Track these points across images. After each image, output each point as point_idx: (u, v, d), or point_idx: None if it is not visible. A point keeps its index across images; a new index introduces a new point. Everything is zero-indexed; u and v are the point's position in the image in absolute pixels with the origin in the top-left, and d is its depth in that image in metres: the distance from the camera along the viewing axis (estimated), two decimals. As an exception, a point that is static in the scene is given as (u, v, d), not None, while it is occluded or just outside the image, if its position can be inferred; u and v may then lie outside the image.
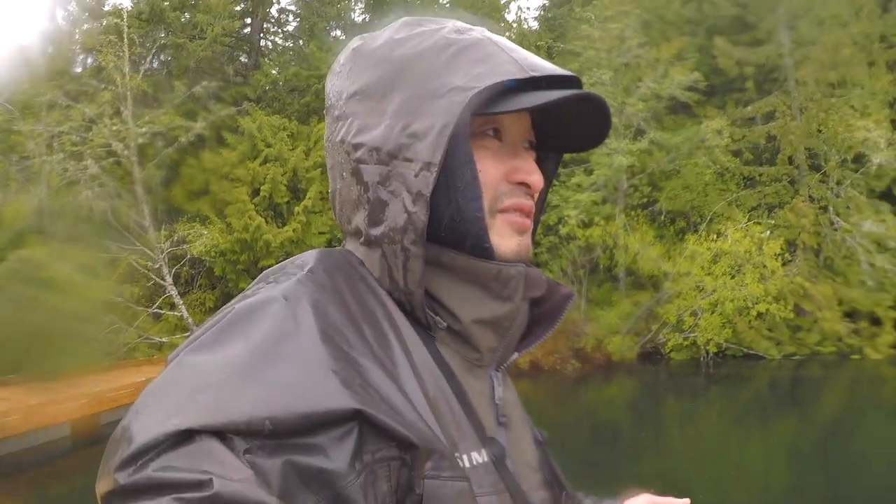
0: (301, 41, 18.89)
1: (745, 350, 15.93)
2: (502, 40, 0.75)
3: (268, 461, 0.51)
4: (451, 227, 0.72)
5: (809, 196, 16.85)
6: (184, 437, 0.50)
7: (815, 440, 10.25)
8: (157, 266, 14.73)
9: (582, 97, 0.72)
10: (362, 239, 0.74)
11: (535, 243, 0.84)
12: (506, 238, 0.74)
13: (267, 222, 15.55)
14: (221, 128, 16.26)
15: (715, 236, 15.72)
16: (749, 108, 17.13)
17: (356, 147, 0.73)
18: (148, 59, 16.36)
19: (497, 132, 0.75)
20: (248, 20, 18.63)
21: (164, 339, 14.43)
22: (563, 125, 0.82)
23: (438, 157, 0.68)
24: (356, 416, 0.55)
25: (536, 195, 0.78)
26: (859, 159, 16.77)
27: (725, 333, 15.46)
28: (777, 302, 15.29)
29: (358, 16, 20.64)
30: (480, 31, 0.76)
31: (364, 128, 0.73)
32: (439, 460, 0.59)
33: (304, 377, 0.56)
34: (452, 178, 0.70)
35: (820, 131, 16.72)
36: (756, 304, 15.09)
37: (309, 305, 0.62)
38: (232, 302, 0.66)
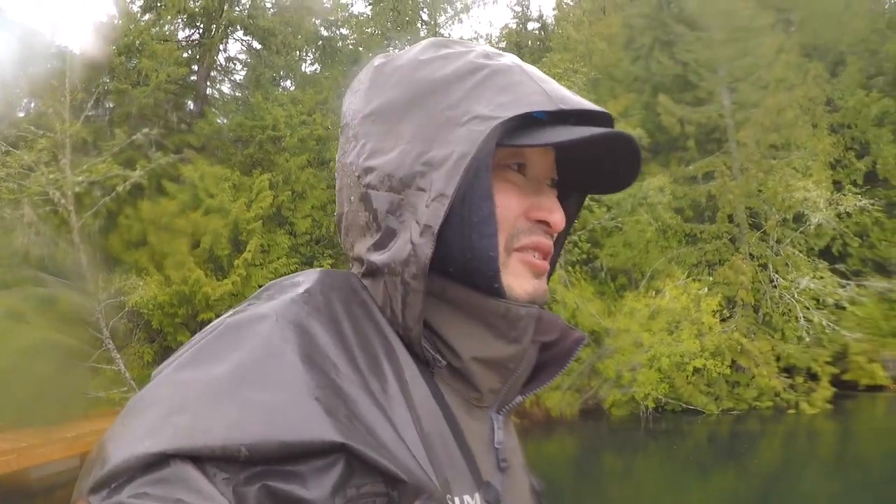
0: (248, 91, 18.80)
1: (684, 405, 16.06)
2: (533, 69, 0.72)
3: (243, 488, 0.49)
4: (462, 263, 0.68)
5: (750, 254, 17.10)
6: (158, 460, 0.49)
7: (753, 493, 10.40)
8: (95, 319, 14.45)
9: (614, 136, 0.69)
10: (364, 268, 0.71)
11: None
12: (521, 279, 0.71)
13: (206, 275, 15.34)
14: (162, 176, 16.03)
15: (654, 293, 15.90)
16: (691, 166, 17.38)
17: (367, 171, 0.70)
18: (90, 105, 16.14)
19: (521, 167, 0.72)
20: (195, 67, 18.50)
21: (100, 394, 14.10)
22: (588, 164, 0.78)
23: (452, 188, 0.64)
24: (340, 449, 0.53)
25: (555, 235, 0.74)
26: (799, 218, 17.11)
27: (663, 388, 15.58)
28: (713, 358, 15.45)
29: (308, 66, 20.61)
30: (510, 59, 0.73)
31: (377, 151, 0.70)
32: (428, 500, 0.56)
33: (286, 403, 0.53)
34: (469, 212, 0.67)
35: (760, 191, 17.02)
36: (692, 359, 15.23)
37: (299, 327, 0.60)
38: (223, 315, 0.64)
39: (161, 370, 0.59)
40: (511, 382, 0.72)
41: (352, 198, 0.72)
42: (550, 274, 0.79)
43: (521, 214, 0.71)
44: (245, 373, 0.54)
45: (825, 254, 17.77)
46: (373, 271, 0.70)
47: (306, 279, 0.69)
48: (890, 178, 18.95)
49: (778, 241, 17.25)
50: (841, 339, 16.04)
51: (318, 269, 0.72)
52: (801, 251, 17.28)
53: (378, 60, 0.76)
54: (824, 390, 15.96)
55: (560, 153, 0.76)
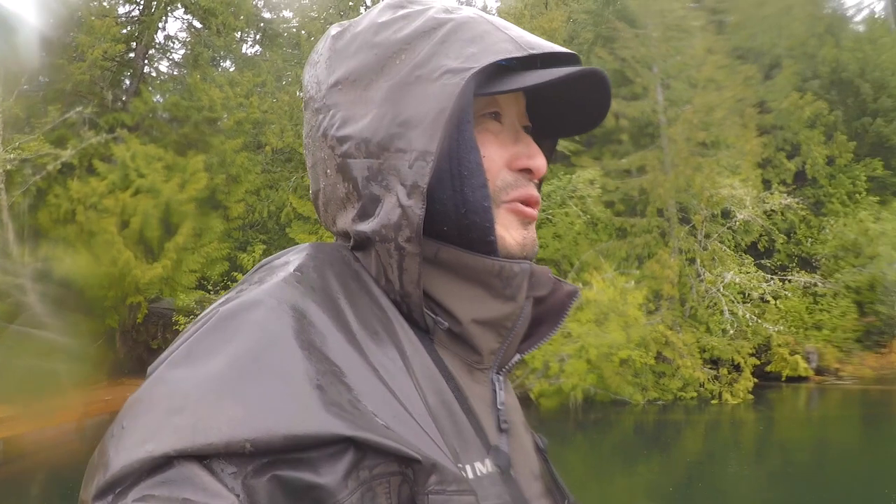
0: (185, 70, 18.51)
1: (613, 396, 16.40)
2: (496, 19, 0.70)
3: (253, 480, 0.49)
4: (456, 219, 0.66)
5: (679, 248, 17.48)
6: (161, 462, 0.48)
7: (678, 481, 10.72)
8: (20, 282, 14.19)
9: (588, 73, 0.67)
10: (352, 241, 0.70)
11: None
12: (511, 230, 0.70)
13: (136, 257, 15.05)
14: (94, 155, 15.77)
15: (581, 285, 16.19)
16: (624, 160, 17.67)
17: (341, 140, 0.68)
18: (23, 80, 15.82)
19: (497, 116, 0.71)
20: (134, 44, 18.17)
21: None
22: (556, 108, 0.77)
23: (434, 145, 0.63)
24: (347, 440, 0.52)
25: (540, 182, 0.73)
26: (727, 214, 17.52)
27: (590, 378, 15.89)
28: (639, 349, 15.81)
29: (248, 48, 20.28)
30: (472, 11, 0.71)
31: (349, 119, 0.68)
32: (443, 474, 0.55)
33: (287, 395, 0.52)
34: (458, 166, 0.65)
35: (688, 187, 17.42)
36: (619, 350, 15.57)
37: (294, 310, 0.58)
38: (214, 304, 0.62)
39: (156, 367, 0.57)
40: (509, 341, 0.71)
41: (328, 171, 0.71)
42: None
43: (504, 165, 0.70)
44: (242, 366, 0.53)
45: (753, 250, 18.24)
46: (362, 241, 0.68)
47: (297, 257, 0.67)
48: (818, 178, 19.54)
49: (706, 237, 17.66)
50: (764, 332, 16.54)
51: (308, 243, 0.71)
52: (728, 246, 17.71)
53: (335, 29, 0.75)
54: (746, 381, 16.44)
55: (529, 99, 0.75)
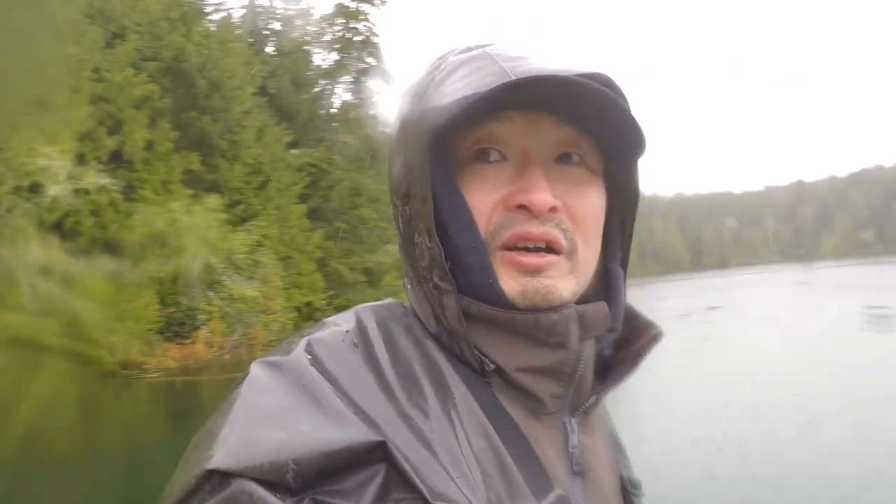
0: None
1: None
2: (506, 51, 0.68)
3: (297, 502, 0.52)
4: (456, 268, 0.66)
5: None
6: (220, 482, 0.51)
7: None
8: None
9: (560, 87, 0.62)
10: (408, 282, 0.72)
11: None
12: (508, 280, 0.66)
13: None
14: None
15: None
16: None
17: (390, 192, 0.72)
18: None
19: (488, 153, 0.67)
20: None
21: None
22: (616, 133, 0.69)
23: (425, 189, 0.65)
24: (379, 454, 0.55)
25: (572, 218, 0.67)
26: (36, 188, 15.52)
27: None
28: None
29: None
30: (487, 48, 0.70)
31: (391, 171, 0.71)
32: None
33: (324, 422, 0.56)
34: (443, 211, 0.66)
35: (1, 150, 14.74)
36: None
37: (331, 363, 0.61)
38: (268, 354, 0.64)
39: (218, 408, 0.60)
40: (574, 385, 0.69)
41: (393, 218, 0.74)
42: (625, 260, 0.76)
43: (496, 205, 0.66)
44: (286, 402, 0.57)
45: (57, 229, 16.72)
46: (413, 285, 0.71)
47: (347, 316, 0.69)
48: (135, 161, 19.28)
49: (9, 210, 15.31)
50: (70, 318, 15.29)
51: (363, 305, 0.72)
52: (32, 224, 15.79)
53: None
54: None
55: (579, 125, 0.68)
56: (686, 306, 29.42)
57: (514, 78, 0.61)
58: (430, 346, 0.67)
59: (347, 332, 0.66)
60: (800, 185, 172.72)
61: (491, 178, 0.67)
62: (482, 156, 0.67)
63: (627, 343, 0.74)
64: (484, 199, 0.66)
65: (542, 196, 0.64)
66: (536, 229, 0.65)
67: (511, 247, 0.66)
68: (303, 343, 0.63)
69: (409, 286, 0.72)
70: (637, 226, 0.78)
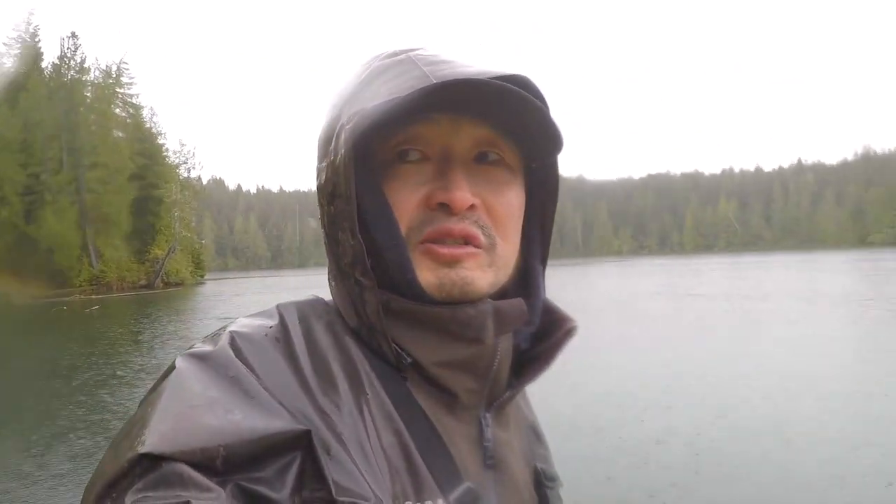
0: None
1: None
2: (430, 56, 0.70)
3: (224, 487, 0.53)
4: (378, 264, 0.68)
5: None
6: (150, 464, 0.52)
7: None
8: None
9: (480, 89, 0.64)
10: (332, 278, 0.74)
11: None
12: (426, 272, 0.68)
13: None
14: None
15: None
16: None
17: (318, 192, 0.73)
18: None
19: (408, 153, 0.69)
20: None
21: None
22: (534, 133, 0.72)
23: (350, 189, 0.66)
24: (300, 444, 0.57)
25: (491, 214, 0.70)
26: None
27: None
28: None
29: None
30: (414, 52, 0.72)
31: (319, 172, 0.73)
32: None
33: (254, 410, 0.57)
34: (365, 210, 0.68)
35: None
36: None
37: (256, 355, 0.62)
38: (194, 346, 0.65)
39: (146, 397, 0.62)
40: (490, 380, 0.71)
41: (319, 215, 0.76)
42: (545, 255, 0.79)
43: (417, 204, 0.68)
44: (217, 391, 0.58)
45: None
46: (336, 280, 0.73)
47: (268, 313, 0.70)
48: None
49: None
50: None
51: (287, 301, 0.73)
52: None
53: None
54: None
55: (498, 126, 0.71)
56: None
57: (434, 82, 0.64)
58: (349, 341, 0.68)
59: (270, 327, 0.67)
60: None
61: (412, 178, 0.69)
62: (404, 156, 0.69)
63: (544, 337, 0.76)
64: (406, 198, 0.68)
65: (461, 194, 0.67)
66: (456, 226, 0.67)
67: (430, 241, 0.68)
68: (227, 336, 0.64)
69: (332, 282, 0.74)
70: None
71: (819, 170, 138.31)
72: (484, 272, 0.69)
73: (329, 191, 0.69)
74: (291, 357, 0.64)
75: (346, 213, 0.67)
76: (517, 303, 0.71)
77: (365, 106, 0.66)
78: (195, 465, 0.53)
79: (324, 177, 0.71)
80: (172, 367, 0.63)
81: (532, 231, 0.77)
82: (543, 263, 0.79)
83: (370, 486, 0.58)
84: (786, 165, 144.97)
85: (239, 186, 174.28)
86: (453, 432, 0.68)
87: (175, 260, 52.51)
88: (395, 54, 0.72)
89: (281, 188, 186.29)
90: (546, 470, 0.80)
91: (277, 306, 0.71)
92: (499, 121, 0.70)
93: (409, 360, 0.68)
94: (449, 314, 0.67)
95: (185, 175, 60.22)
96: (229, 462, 0.54)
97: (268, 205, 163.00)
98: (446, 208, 0.67)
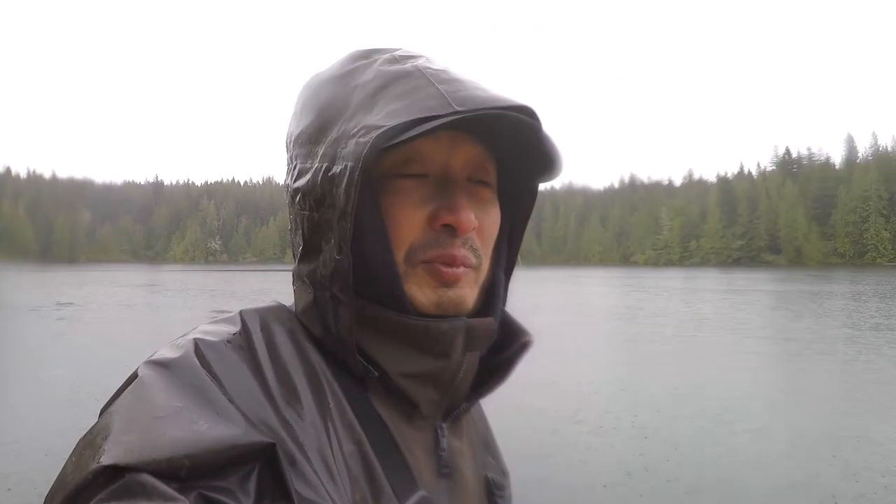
0: None
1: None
2: (439, 72, 0.69)
3: (188, 495, 0.52)
4: (365, 276, 0.68)
5: None
6: (113, 475, 0.51)
7: None
8: None
9: (496, 118, 0.66)
10: (301, 284, 0.73)
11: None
12: (425, 289, 0.69)
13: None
14: None
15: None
16: None
17: (295, 192, 0.71)
18: None
19: (410, 169, 0.69)
20: None
21: None
22: (523, 154, 0.74)
23: (351, 205, 0.65)
24: (262, 455, 0.56)
25: (480, 234, 0.71)
26: None
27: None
28: None
29: None
30: (416, 62, 0.71)
31: (301, 172, 0.71)
32: None
33: (218, 422, 0.56)
34: (359, 224, 0.67)
35: None
36: None
37: (220, 363, 0.62)
38: (156, 352, 0.65)
39: (107, 406, 0.61)
40: (451, 393, 0.72)
41: (290, 217, 0.75)
42: (510, 273, 0.81)
43: (423, 223, 0.69)
44: (180, 402, 0.57)
45: None
46: (300, 283, 0.73)
47: (229, 320, 0.69)
48: None
49: None
50: None
51: (248, 308, 0.72)
52: None
53: (308, 80, 0.77)
54: None
55: (494, 148, 0.74)
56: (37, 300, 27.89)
57: (456, 108, 0.64)
58: (311, 350, 0.68)
59: (233, 334, 0.66)
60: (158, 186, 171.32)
61: (415, 194, 0.69)
62: (406, 171, 0.69)
63: (500, 349, 0.76)
64: (411, 215, 0.68)
65: (467, 216, 0.68)
66: (459, 251, 0.69)
67: (436, 262, 0.68)
68: (191, 344, 0.63)
69: (298, 287, 0.74)
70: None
71: (587, 193, 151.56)
72: (472, 289, 0.71)
73: (316, 197, 0.68)
74: (255, 366, 0.64)
75: (338, 226, 0.66)
76: (489, 322, 0.72)
77: (380, 120, 0.65)
78: (160, 476, 0.51)
79: (307, 179, 0.69)
80: (135, 375, 0.62)
81: (500, 243, 0.77)
82: (508, 275, 0.80)
83: (331, 498, 0.58)
84: (558, 187, 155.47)
85: (7, 169, 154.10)
86: (411, 441, 0.70)
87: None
88: (396, 60, 0.71)
89: (54, 174, 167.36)
90: (496, 479, 0.81)
91: (240, 312, 0.70)
92: (495, 143, 0.74)
93: (375, 374, 0.69)
94: (423, 326, 0.67)
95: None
96: (194, 472, 0.53)
97: (38, 192, 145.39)
98: (451, 230, 0.68)
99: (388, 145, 0.64)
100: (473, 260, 0.71)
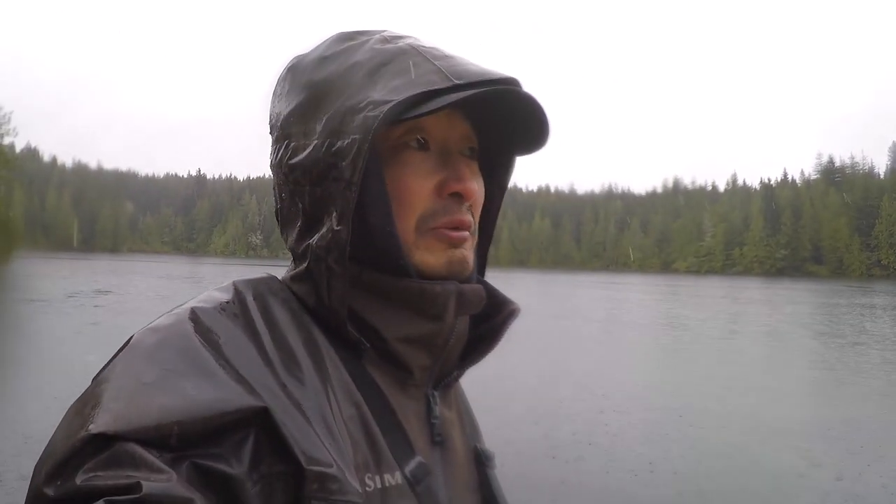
0: None
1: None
2: (432, 49, 0.73)
3: (180, 465, 0.52)
4: (366, 245, 0.70)
5: None
6: (102, 444, 0.51)
7: None
8: None
9: (500, 93, 0.69)
10: (294, 256, 0.75)
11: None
12: (436, 253, 0.72)
13: None
14: None
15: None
16: None
17: (292, 169, 0.73)
18: None
19: (422, 142, 0.73)
20: None
21: None
22: (509, 127, 0.79)
23: (357, 176, 0.67)
24: (257, 420, 0.56)
25: (473, 203, 0.75)
26: None
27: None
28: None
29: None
30: (409, 41, 0.74)
31: (298, 149, 0.72)
32: (326, 482, 0.57)
33: (208, 388, 0.57)
34: (362, 194, 0.69)
35: None
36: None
37: (214, 332, 0.63)
38: (150, 322, 0.65)
39: (98, 374, 0.61)
40: (443, 358, 0.75)
41: (283, 195, 0.76)
42: (487, 244, 0.84)
43: (431, 192, 0.72)
44: (169, 369, 0.57)
45: None
46: (299, 258, 0.73)
47: (223, 289, 0.70)
48: None
49: None
50: None
51: (239, 279, 0.72)
52: None
53: (292, 61, 0.78)
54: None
55: (480, 121, 0.78)
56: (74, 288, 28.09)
57: (455, 82, 0.68)
58: (307, 319, 0.69)
59: (227, 302, 0.66)
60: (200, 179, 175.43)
61: (422, 166, 0.71)
62: (414, 144, 0.72)
63: (485, 319, 0.79)
64: (420, 185, 0.71)
65: (472, 185, 0.72)
66: (465, 217, 0.73)
67: (445, 228, 0.72)
68: (185, 311, 0.64)
69: (296, 261, 0.75)
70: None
71: (627, 198, 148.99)
72: (471, 253, 0.76)
73: (319, 171, 0.69)
74: (252, 332, 0.64)
75: (343, 198, 0.68)
76: (478, 289, 0.75)
77: (384, 95, 0.67)
78: (149, 444, 0.52)
79: (306, 154, 0.71)
80: (128, 342, 0.62)
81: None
82: (485, 248, 0.84)
83: (333, 458, 0.58)
84: (597, 190, 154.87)
85: (54, 159, 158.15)
86: (405, 409, 0.72)
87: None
88: (388, 40, 0.74)
89: (100, 165, 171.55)
90: (485, 450, 0.82)
91: (233, 282, 0.71)
92: (482, 119, 0.77)
93: (367, 345, 0.70)
94: (418, 288, 0.70)
95: (-3, 141, 53.87)
96: (184, 439, 0.53)
97: (84, 183, 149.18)
98: (458, 197, 0.72)
99: (401, 119, 0.67)
100: (472, 224, 0.75)
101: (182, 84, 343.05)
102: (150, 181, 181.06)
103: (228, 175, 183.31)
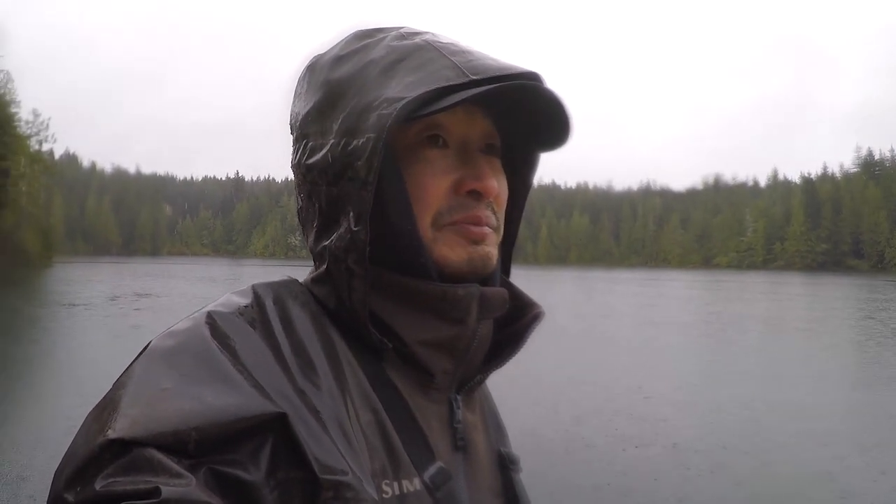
0: None
1: None
2: (449, 44, 0.72)
3: (198, 471, 0.52)
4: (385, 245, 0.69)
5: None
6: (120, 450, 0.51)
7: None
8: None
9: (517, 88, 0.68)
10: (314, 257, 0.75)
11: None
12: (456, 248, 0.71)
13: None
14: None
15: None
16: None
17: (309, 169, 0.72)
18: None
19: (437, 139, 0.71)
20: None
21: None
22: (532, 124, 0.76)
23: (372, 175, 0.66)
24: (274, 426, 0.56)
25: (496, 200, 0.73)
26: None
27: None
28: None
29: None
30: (425, 37, 0.73)
31: (315, 149, 0.72)
32: (341, 489, 0.56)
33: (226, 393, 0.56)
34: (380, 193, 0.68)
35: None
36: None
37: (231, 338, 0.62)
38: (169, 326, 0.65)
39: (116, 380, 0.61)
40: (465, 362, 0.73)
41: (301, 195, 0.76)
42: (512, 243, 0.82)
43: (448, 190, 0.71)
44: (188, 374, 0.57)
45: None
46: (319, 259, 0.73)
47: (242, 294, 0.69)
48: None
49: None
50: None
51: (259, 283, 0.72)
52: None
53: (311, 60, 0.78)
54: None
55: (502, 118, 0.76)
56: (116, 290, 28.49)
57: (472, 77, 0.66)
58: (326, 322, 0.69)
59: (246, 307, 0.66)
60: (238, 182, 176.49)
61: (440, 163, 0.70)
62: (431, 142, 0.71)
63: (510, 322, 0.78)
64: (437, 183, 0.70)
65: (492, 183, 0.71)
66: (483, 213, 0.71)
67: (463, 223, 0.71)
68: (203, 315, 0.64)
69: (316, 262, 0.75)
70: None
71: (666, 195, 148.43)
72: (495, 250, 0.74)
73: (335, 170, 0.69)
74: (269, 337, 0.64)
75: (359, 198, 0.67)
76: (501, 292, 0.74)
77: (399, 92, 0.66)
78: (167, 450, 0.52)
79: (323, 154, 0.70)
80: (146, 347, 0.62)
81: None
82: (509, 248, 0.83)
83: (349, 465, 0.58)
84: (635, 188, 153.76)
85: (93, 164, 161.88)
86: (426, 413, 0.71)
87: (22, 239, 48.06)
88: (405, 37, 0.73)
89: (138, 170, 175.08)
90: (510, 454, 0.81)
91: (253, 286, 0.71)
92: (504, 115, 0.76)
93: (389, 345, 0.69)
94: (440, 291, 0.69)
95: (37, 147, 55.56)
96: (202, 445, 0.53)
97: (123, 187, 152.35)
98: (477, 195, 0.71)
99: (415, 116, 0.66)
100: (495, 221, 0.73)
101: (218, 86, 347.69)
102: (189, 184, 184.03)
103: (267, 177, 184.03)
